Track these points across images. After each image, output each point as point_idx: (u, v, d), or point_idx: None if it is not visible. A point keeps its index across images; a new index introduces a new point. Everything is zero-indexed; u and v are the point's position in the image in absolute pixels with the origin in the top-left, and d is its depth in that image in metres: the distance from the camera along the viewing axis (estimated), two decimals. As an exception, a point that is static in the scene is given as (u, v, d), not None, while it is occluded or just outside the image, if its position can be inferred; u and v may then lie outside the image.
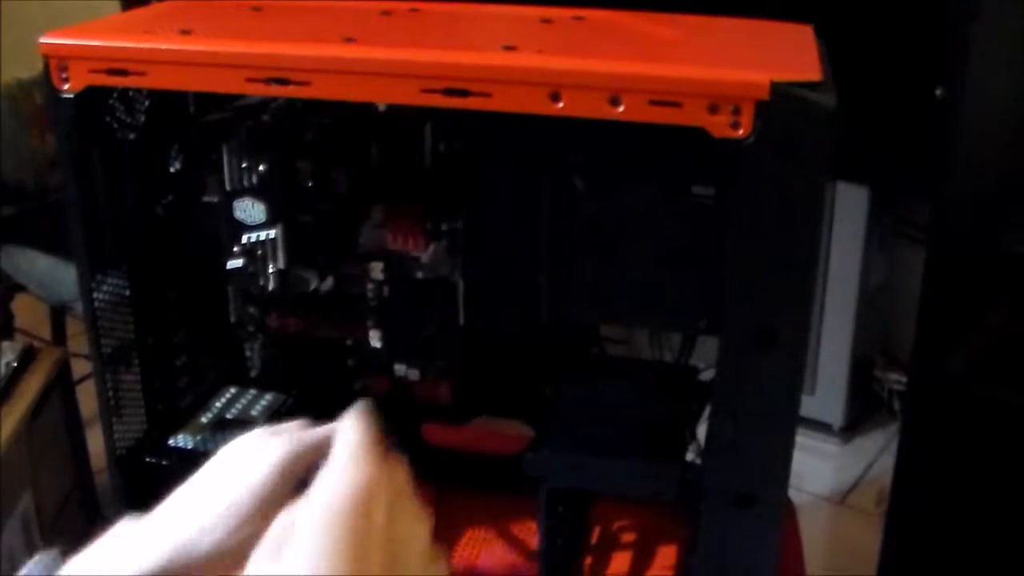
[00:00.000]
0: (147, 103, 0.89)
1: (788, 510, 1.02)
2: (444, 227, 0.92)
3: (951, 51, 1.23)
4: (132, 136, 0.88)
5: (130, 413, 0.94)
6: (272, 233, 0.87)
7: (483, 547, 0.99)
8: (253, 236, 0.87)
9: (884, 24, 1.68)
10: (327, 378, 1.01)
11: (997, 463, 1.28)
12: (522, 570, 0.96)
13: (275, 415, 0.99)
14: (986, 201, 1.26)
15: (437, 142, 0.90)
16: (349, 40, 0.76)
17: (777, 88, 0.66)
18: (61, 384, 1.70)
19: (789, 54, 0.78)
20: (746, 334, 0.73)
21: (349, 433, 0.55)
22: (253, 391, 1.02)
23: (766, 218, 0.70)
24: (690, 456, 0.92)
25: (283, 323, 0.99)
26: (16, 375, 1.59)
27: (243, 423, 0.97)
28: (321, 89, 0.74)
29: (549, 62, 0.72)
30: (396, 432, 1.01)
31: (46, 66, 0.78)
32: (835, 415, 2.13)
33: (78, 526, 1.73)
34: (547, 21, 0.87)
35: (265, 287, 0.90)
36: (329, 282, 0.95)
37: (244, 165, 0.86)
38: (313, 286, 0.94)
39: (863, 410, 2.19)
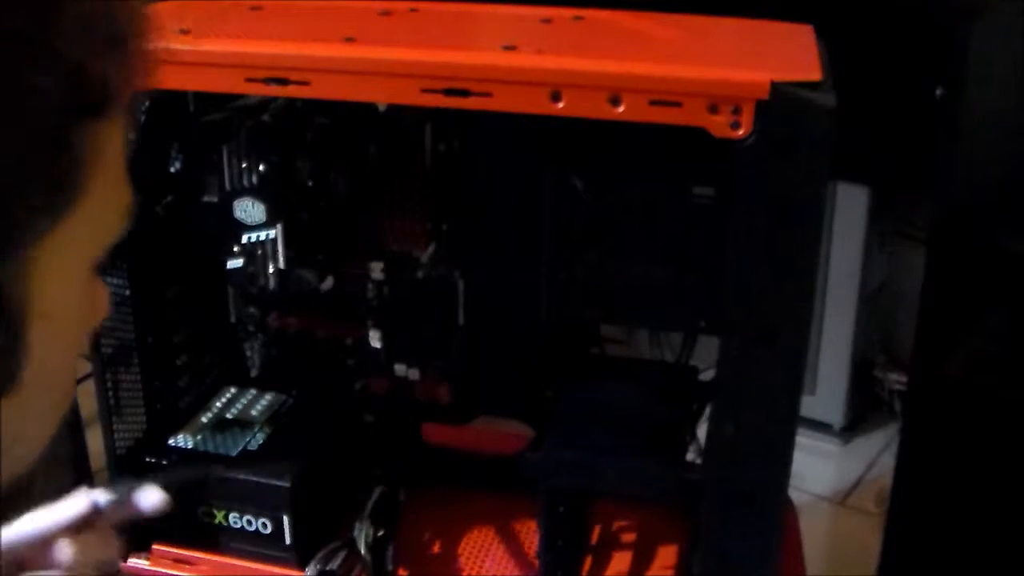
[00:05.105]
0: (147, 103, 0.89)
1: (788, 510, 1.02)
2: (444, 227, 0.92)
3: (951, 51, 1.23)
4: (131, 136, 0.88)
5: (130, 413, 0.94)
6: (272, 233, 0.87)
7: (483, 547, 0.99)
8: (253, 236, 0.87)
9: (884, 24, 1.68)
10: (327, 378, 1.01)
11: (997, 463, 1.28)
12: (522, 570, 0.96)
13: (275, 415, 0.99)
14: (986, 201, 1.26)
15: (437, 142, 0.90)
16: (349, 40, 0.76)
17: (777, 88, 0.66)
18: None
19: (789, 54, 0.77)
20: (746, 334, 0.73)
21: None
22: (253, 391, 1.02)
23: (766, 218, 0.70)
24: (690, 456, 0.92)
25: (283, 323, 0.99)
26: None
27: (243, 423, 0.97)
28: (321, 89, 0.74)
29: (549, 62, 0.72)
30: (396, 432, 1.01)
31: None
32: (835, 415, 2.13)
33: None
34: (547, 21, 0.87)
35: (265, 287, 0.90)
36: (329, 282, 0.95)
37: (244, 165, 0.86)
38: (313, 286, 0.94)
39: (863, 410, 2.18)
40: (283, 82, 0.74)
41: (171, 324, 0.97)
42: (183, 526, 0.93)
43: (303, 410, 1.00)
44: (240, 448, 0.94)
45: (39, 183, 0.36)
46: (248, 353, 1.01)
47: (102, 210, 0.40)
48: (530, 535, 0.97)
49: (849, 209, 1.95)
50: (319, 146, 0.89)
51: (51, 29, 0.35)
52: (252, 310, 0.99)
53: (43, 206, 0.36)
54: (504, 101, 0.71)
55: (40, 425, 0.44)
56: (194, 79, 0.77)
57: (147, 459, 0.94)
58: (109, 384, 0.92)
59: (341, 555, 0.92)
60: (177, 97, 0.91)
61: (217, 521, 0.93)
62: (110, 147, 0.40)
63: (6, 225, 0.35)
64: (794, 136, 0.67)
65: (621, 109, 0.69)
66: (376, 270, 0.95)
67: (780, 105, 0.66)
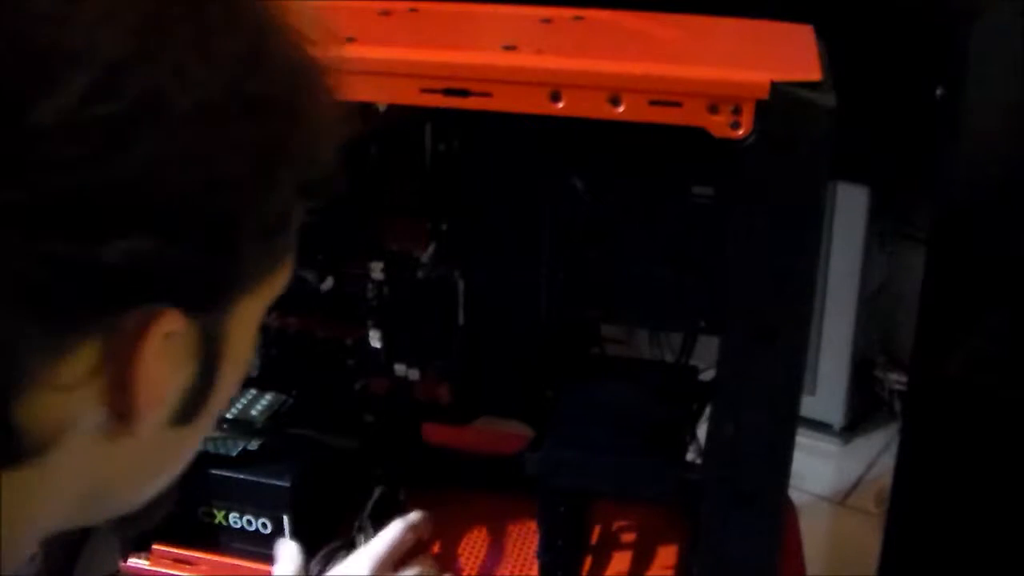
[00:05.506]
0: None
1: (788, 510, 1.02)
2: (444, 227, 0.92)
3: (951, 51, 1.23)
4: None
5: (130, 413, 0.94)
6: (272, 233, 0.87)
7: (483, 547, 0.99)
8: (253, 236, 0.87)
9: (884, 24, 1.68)
10: (327, 378, 1.01)
11: (997, 463, 1.28)
12: (522, 570, 0.96)
13: (275, 415, 0.99)
14: (986, 201, 1.26)
15: (437, 142, 0.90)
16: (349, 40, 0.76)
17: (777, 88, 0.66)
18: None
19: (789, 54, 0.78)
20: (746, 334, 0.73)
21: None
22: (253, 391, 1.02)
23: (766, 218, 0.70)
24: (690, 456, 0.92)
25: (283, 323, 0.99)
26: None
27: (243, 423, 0.97)
28: (321, 89, 0.74)
29: (549, 62, 0.72)
30: (396, 432, 1.01)
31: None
32: (835, 415, 2.13)
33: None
34: (547, 21, 0.87)
35: (265, 287, 0.89)
36: (329, 282, 0.95)
37: (244, 165, 0.86)
38: (313, 286, 0.94)
39: (863, 410, 2.18)
40: (283, 82, 0.74)
41: (171, 324, 0.97)
42: (183, 526, 0.93)
43: (303, 410, 1.00)
44: (240, 448, 0.94)
45: (266, 252, 0.43)
46: (248, 353, 1.01)
47: (284, 271, 0.46)
48: (530, 535, 0.97)
49: (849, 209, 1.95)
50: (319, 146, 0.89)
51: (294, 139, 0.43)
52: (252, 310, 0.99)
53: (262, 269, 0.43)
54: (504, 101, 0.71)
55: (192, 452, 0.48)
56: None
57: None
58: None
59: (341, 555, 0.92)
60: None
61: (217, 521, 0.93)
62: (300, 218, 0.46)
63: (234, 282, 0.41)
64: (794, 136, 0.67)
65: (621, 109, 0.69)
66: (376, 270, 0.95)
67: (780, 105, 0.66)
